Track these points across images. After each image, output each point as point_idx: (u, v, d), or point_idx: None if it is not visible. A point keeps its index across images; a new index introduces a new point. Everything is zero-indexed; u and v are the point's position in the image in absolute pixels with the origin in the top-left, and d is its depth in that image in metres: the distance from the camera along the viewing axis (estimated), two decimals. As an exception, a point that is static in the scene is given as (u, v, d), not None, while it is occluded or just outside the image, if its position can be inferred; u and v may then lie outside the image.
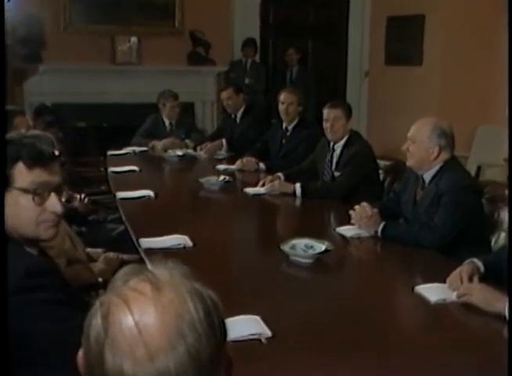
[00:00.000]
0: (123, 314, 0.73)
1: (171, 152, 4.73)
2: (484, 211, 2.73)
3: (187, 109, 6.05)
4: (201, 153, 4.83)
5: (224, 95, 5.05)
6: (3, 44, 3.60)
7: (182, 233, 2.48)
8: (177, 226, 2.62)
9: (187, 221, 2.94)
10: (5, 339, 1.16)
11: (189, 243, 2.41)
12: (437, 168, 2.63)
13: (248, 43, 6.63)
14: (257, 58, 6.87)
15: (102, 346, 0.73)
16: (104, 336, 0.73)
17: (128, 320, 0.72)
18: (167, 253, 2.24)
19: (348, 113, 3.56)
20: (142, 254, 2.31)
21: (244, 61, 6.68)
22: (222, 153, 4.89)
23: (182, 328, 0.72)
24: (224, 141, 4.94)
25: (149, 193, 3.31)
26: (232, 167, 4.22)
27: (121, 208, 3.07)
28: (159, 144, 4.96)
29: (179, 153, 4.67)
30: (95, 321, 0.74)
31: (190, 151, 4.87)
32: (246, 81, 6.57)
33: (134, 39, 6.34)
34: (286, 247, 2.26)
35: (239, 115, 5.08)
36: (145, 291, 0.74)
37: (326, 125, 3.57)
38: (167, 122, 5.21)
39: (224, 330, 0.78)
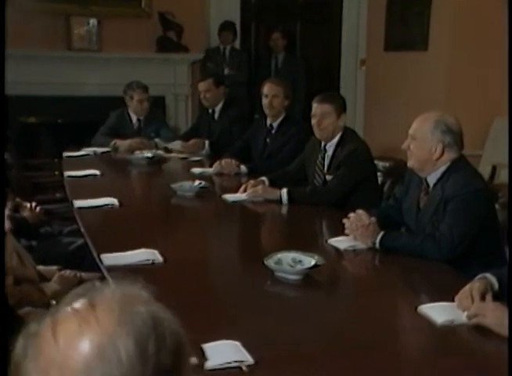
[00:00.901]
0: (49, 337, 0.78)
1: (138, 153, 4.73)
2: (499, 219, 2.76)
3: (157, 103, 6.06)
4: (177, 145, 4.85)
5: (202, 86, 5.06)
6: (3, 44, 3.64)
7: (150, 247, 2.49)
8: (145, 239, 2.62)
9: (157, 233, 2.94)
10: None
11: (159, 258, 2.42)
12: (442, 169, 2.67)
13: (226, 27, 6.65)
14: (238, 44, 6.90)
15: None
16: (23, 356, 0.79)
17: (51, 343, 0.78)
18: (133, 270, 2.24)
19: (341, 107, 3.59)
20: (104, 272, 2.31)
21: (222, 48, 6.70)
22: (203, 154, 4.91)
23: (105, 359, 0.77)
24: (206, 142, 4.96)
25: (113, 201, 3.31)
26: (209, 170, 4.24)
27: (80, 219, 3.06)
28: (124, 144, 4.97)
29: (148, 154, 4.68)
30: (19, 342, 0.81)
31: (161, 152, 4.88)
32: (226, 71, 6.59)
33: (93, 21, 6.29)
34: (270, 262, 2.28)
35: (217, 110, 5.10)
36: (79, 315, 0.79)
37: (313, 122, 3.61)
38: (134, 118, 5.22)
39: (176, 361, 0.80)
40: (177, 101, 6.82)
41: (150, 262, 2.39)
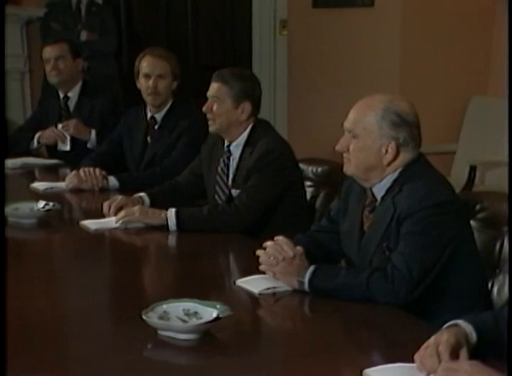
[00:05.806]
0: None
1: None
2: (476, 243, 2.85)
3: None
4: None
5: (51, 51, 5.00)
6: (3, 44, 3.63)
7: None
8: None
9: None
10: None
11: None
12: (394, 175, 2.74)
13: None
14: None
15: None
16: None
17: None
18: None
19: (243, 92, 3.65)
20: None
21: (75, 1, 6.65)
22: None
23: None
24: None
25: None
26: (61, 184, 4.24)
27: None
28: None
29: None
30: None
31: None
32: (83, 35, 6.54)
33: None
34: (152, 316, 2.29)
35: (73, 96, 5.05)
36: None
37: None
38: None
39: None
40: (7, 80, 6.68)
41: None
